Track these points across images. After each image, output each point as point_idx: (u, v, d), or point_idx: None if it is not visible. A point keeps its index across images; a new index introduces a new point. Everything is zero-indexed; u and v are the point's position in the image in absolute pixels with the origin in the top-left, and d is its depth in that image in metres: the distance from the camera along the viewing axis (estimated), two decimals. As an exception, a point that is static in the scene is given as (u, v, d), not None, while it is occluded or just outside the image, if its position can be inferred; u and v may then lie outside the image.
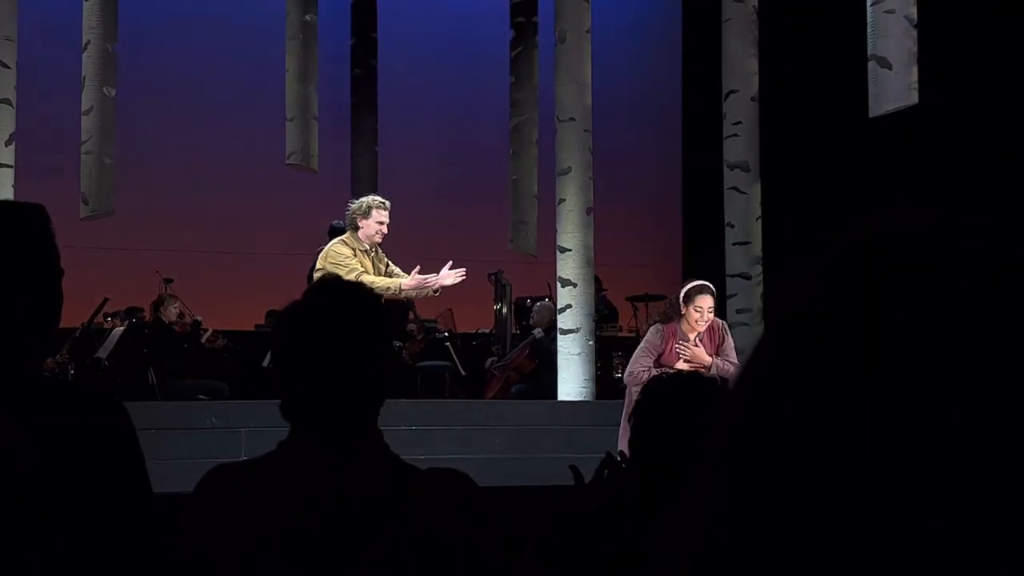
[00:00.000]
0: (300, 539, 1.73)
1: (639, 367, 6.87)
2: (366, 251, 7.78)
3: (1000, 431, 0.61)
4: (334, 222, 11.09)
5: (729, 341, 7.02)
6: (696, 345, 6.84)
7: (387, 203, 7.93)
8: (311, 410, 1.83)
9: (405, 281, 7.91)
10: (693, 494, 0.74)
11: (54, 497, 1.68)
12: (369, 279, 7.43)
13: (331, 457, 1.81)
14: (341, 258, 7.61)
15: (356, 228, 7.80)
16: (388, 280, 7.82)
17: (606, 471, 2.48)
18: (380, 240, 7.90)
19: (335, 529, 1.74)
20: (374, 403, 1.85)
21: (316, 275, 7.60)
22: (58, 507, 1.67)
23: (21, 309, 1.73)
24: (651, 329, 7.17)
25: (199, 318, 11.63)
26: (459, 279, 7.99)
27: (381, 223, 7.71)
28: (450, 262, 8.11)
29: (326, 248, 7.91)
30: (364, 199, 7.88)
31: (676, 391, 2.34)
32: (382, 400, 1.86)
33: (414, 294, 8.19)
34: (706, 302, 6.85)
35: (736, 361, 6.87)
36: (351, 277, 7.00)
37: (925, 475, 0.62)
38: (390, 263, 8.09)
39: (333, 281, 1.90)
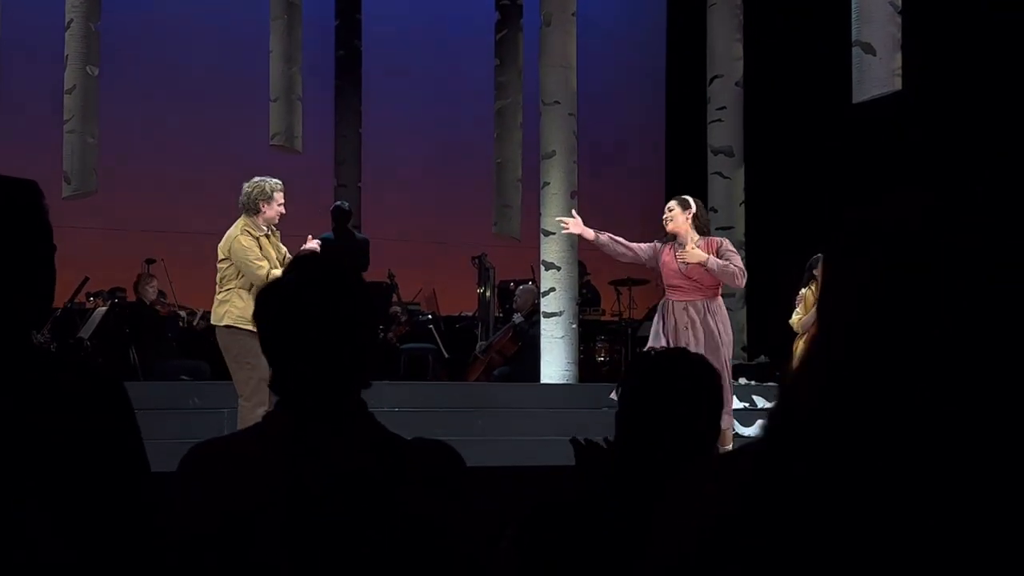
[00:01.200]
0: (288, 512, 1.74)
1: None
2: (266, 236, 7.76)
3: None
4: (338, 203, 11.08)
5: (727, 246, 7.17)
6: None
7: (281, 183, 7.98)
8: (297, 384, 1.84)
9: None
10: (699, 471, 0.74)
11: (56, 475, 1.68)
12: (276, 273, 7.42)
13: (319, 429, 1.81)
14: (249, 255, 7.55)
15: (257, 212, 7.73)
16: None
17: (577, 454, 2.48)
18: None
19: (325, 500, 1.74)
20: (359, 376, 1.86)
21: (222, 266, 7.63)
22: (59, 485, 1.68)
23: (17, 284, 1.74)
24: None
25: (182, 312, 11.57)
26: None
27: (282, 205, 7.75)
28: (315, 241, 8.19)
29: (229, 240, 7.79)
30: (263, 181, 7.79)
31: (660, 367, 2.34)
32: (367, 373, 1.88)
33: None
34: (668, 205, 7.32)
35: (739, 264, 7.05)
36: (261, 275, 7.08)
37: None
38: (280, 244, 8.07)
39: (312, 258, 1.91)
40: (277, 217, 7.63)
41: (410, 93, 15.79)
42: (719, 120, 11.07)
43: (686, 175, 14.47)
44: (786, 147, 14.22)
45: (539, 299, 10.64)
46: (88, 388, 1.78)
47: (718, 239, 7.33)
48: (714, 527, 0.70)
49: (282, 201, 7.62)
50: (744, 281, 7.17)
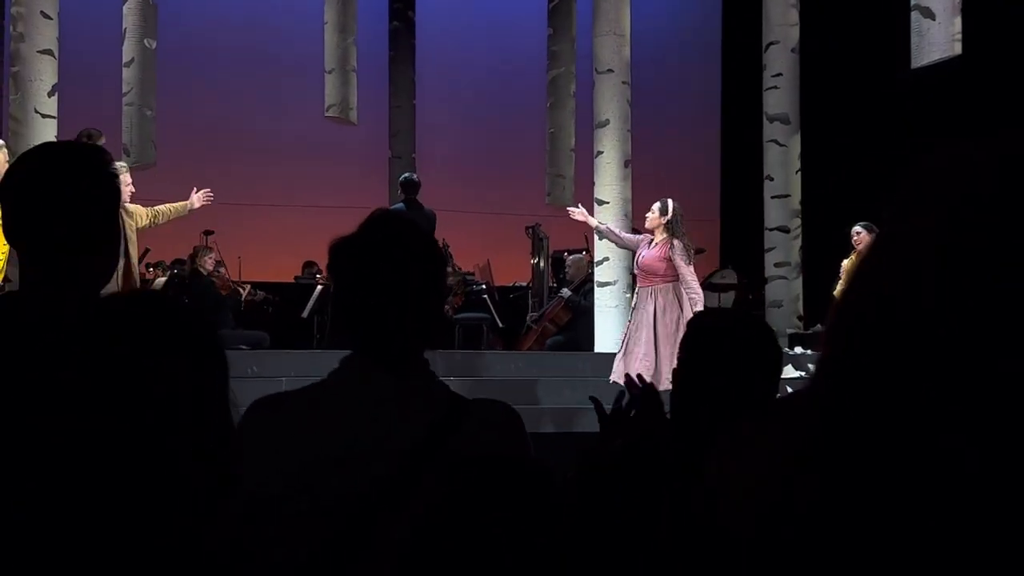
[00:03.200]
0: (350, 465, 1.76)
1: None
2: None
3: None
4: (408, 175, 11.13)
5: (678, 250, 7.90)
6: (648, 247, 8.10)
7: (126, 165, 8.56)
8: (367, 337, 1.86)
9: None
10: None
11: (147, 423, 1.72)
12: (159, 208, 8.37)
13: (382, 385, 1.84)
14: (137, 211, 8.18)
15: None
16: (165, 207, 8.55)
17: (625, 402, 2.49)
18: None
19: (387, 455, 1.77)
20: (426, 333, 1.89)
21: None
22: (155, 430, 1.72)
23: (89, 244, 1.81)
24: None
25: (239, 286, 11.70)
26: (206, 201, 8.91)
27: (129, 185, 8.16)
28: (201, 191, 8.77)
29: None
30: (117, 162, 8.11)
31: (718, 324, 2.36)
32: (432, 332, 1.90)
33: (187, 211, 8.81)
34: (652, 205, 8.15)
35: (686, 272, 7.86)
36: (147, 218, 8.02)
37: None
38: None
39: (389, 215, 1.93)
40: (129, 197, 8.07)
41: (463, 64, 15.79)
42: (775, 87, 10.96)
43: (742, 143, 14.38)
44: (843, 114, 14.06)
45: (592, 269, 10.62)
46: (185, 333, 1.81)
47: (673, 242, 7.95)
48: (777, 474, 0.70)
49: (128, 182, 8.09)
50: (694, 293, 7.83)
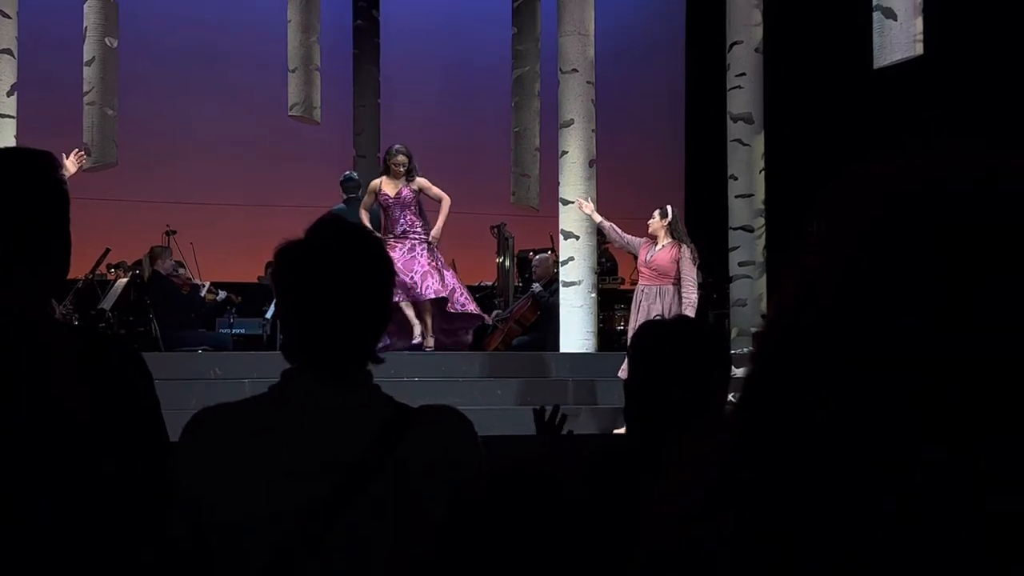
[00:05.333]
0: (295, 478, 1.74)
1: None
2: None
3: None
4: (348, 173, 11.07)
5: (686, 256, 8.74)
6: (658, 249, 8.86)
7: None
8: (309, 349, 1.83)
9: None
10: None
11: (74, 444, 1.70)
12: None
13: (323, 398, 1.81)
14: None
15: None
16: None
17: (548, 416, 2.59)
18: None
19: (332, 467, 1.75)
20: (370, 345, 1.86)
21: None
22: (77, 453, 1.69)
23: (32, 253, 1.76)
24: None
25: (198, 281, 11.61)
26: (80, 162, 8.87)
27: None
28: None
29: None
30: None
31: (662, 333, 2.39)
32: (376, 343, 1.87)
33: None
34: (653, 213, 8.99)
35: (692, 277, 8.69)
36: None
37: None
38: None
39: (335, 221, 1.90)
40: None
41: (428, 63, 15.75)
42: (739, 87, 10.99)
43: (706, 142, 14.42)
44: (807, 114, 14.13)
45: (558, 268, 10.62)
46: (106, 358, 1.79)
47: (683, 247, 8.79)
48: (697, 501, 0.68)
49: None
50: (691, 296, 8.66)
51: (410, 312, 9.38)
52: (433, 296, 9.35)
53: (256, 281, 13.14)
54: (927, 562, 0.60)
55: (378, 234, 9.23)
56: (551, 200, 10.93)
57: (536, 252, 12.28)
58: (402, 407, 1.86)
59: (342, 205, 10.50)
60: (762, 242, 10.95)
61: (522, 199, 11.69)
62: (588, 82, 10.44)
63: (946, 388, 0.61)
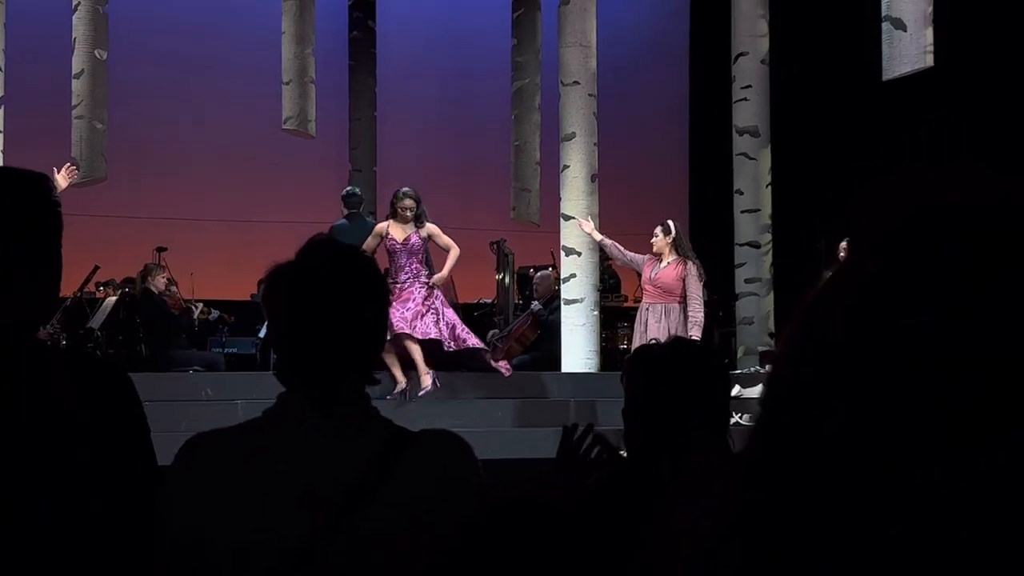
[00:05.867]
0: (293, 504, 1.73)
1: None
2: None
3: None
4: (349, 188, 11.07)
5: (692, 273, 8.81)
6: (663, 266, 8.95)
7: None
8: (303, 373, 1.83)
9: None
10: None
11: (62, 468, 1.70)
12: None
13: (319, 422, 1.81)
14: None
15: None
16: None
17: (577, 437, 2.58)
18: None
19: (330, 492, 1.75)
20: (366, 368, 1.86)
21: None
22: (65, 478, 1.69)
23: (26, 276, 1.75)
24: None
25: (192, 305, 11.60)
26: (71, 177, 8.78)
27: None
28: None
29: None
30: None
31: (655, 357, 2.41)
32: (372, 364, 1.88)
33: None
34: (655, 229, 9.02)
35: (698, 296, 8.77)
36: None
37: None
38: None
39: (327, 242, 1.90)
40: None
41: (426, 75, 15.77)
42: (744, 99, 11.02)
43: (711, 156, 14.43)
44: (814, 127, 14.15)
45: (559, 285, 10.62)
46: (93, 381, 1.79)
47: (689, 264, 8.85)
48: (709, 534, 0.69)
49: None
50: (697, 314, 8.71)
51: (391, 360, 8.95)
52: (420, 336, 8.98)
53: (249, 299, 13.14)
54: (945, 561, 0.61)
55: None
56: (552, 215, 10.94)
57: (537, 269, 12.28)
58: (400, 431, 1.85)
59: (344, 221, 10.51)
60: (769, 258, 10.95)
61: (522, 214, 11.69)
62: (590, 95, 10.46)
63: (964, 384, 0.62)
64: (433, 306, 9.22)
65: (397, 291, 9.09)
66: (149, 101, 14.42)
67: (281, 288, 1.85)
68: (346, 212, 10.69)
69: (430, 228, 9.37)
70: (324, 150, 14.13)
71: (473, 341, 9.32)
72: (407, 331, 8.93)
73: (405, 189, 9.37)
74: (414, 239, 9.25)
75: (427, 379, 9.04)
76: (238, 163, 14.98)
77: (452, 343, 9.21)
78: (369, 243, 9.09)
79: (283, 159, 14.59)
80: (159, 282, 11.01)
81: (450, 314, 9.34)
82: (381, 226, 9.39)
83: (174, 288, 11.62)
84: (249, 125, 14.47)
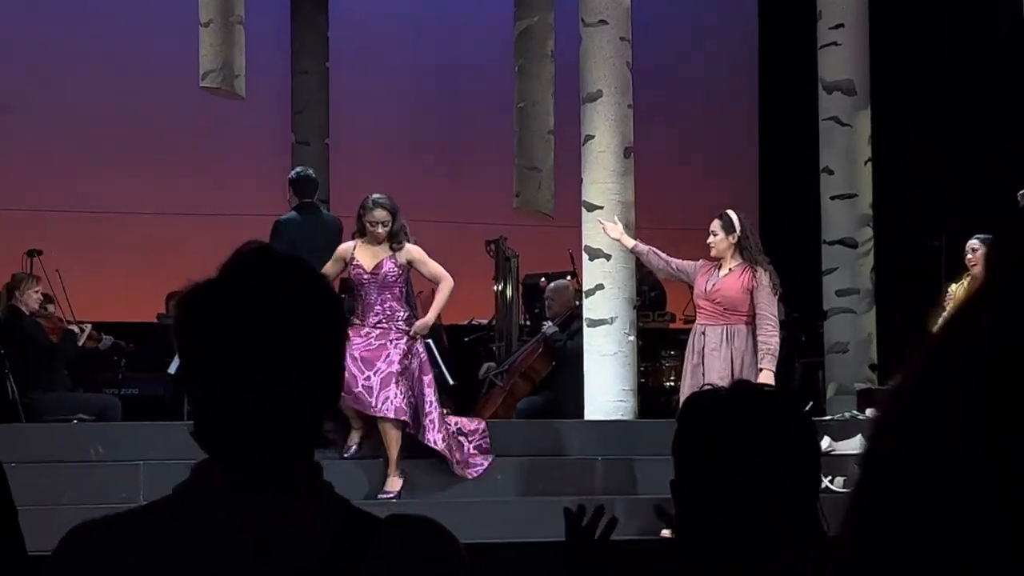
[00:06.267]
0: None
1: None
2: None
3: None
4: (299, 170, 11.05)
5: (765, 282, 8.79)
6: (722, 276, 8.92)
7: None
8: (227, 432, 1.81)
9: None
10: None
11: None
12: None
13: (251, 503, 1.79)
14: None
15: None
16: None
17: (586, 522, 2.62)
18: None
19: None
20: (315, 426, 1.85)
21: None
22: None
23: None
24: None
25: (76, 328, 11.57)
26: None
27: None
28: None
29: None
30: None
31: (718, 410, 2.41)
32: (324, 417, 1.86)
33: None
34: (711, 225, 8.93)
35: (772, 313, 8.76)
36: None
37: None
38: None
39: (262, 252, 1.88)
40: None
41: (397, 13, 15.77)
42: (834, 43, 11.00)
43: (788, 123, 14.39)
44: (931, 82, 14.13)
45: (580, 300, 10.60)
46: None
47: (758, 271, 8.82)
48: None
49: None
50: (771, 340, 8.70)
51: (351, 413, 9.01)
52: (391, 416, 8.83)
53: (156, 321, 13.11)
54: None
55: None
56: (570, 204, 10.92)
57: (550, 278, 12.26)
58: (361, 516, 1.84)
59: (294, 214, 10.50)
60: (870, 261, 10.93)
61: (530, 203, 11.67)
62: (622, 38, 10.45)
63: None
64: (410, 368, 9.06)
65: (361, 339, 8.89)
66: (21, 58, 14.42)
67: (198, 316, 1.83)
68: (296, 202, 10.68)
69: (411, 251, 9.19)
70: (258, 116, 14.11)
71: (433, 436, 8.99)
72: (376, 411, 8.81)
73: (376, 196, 9.19)
74: (388, 266, 9.08)
75: (396, 482, 8.85)
76: (139, 135, 14.97)
77: (411, 426, 8.97)
78: (329, 269, 8.91)
79: (202, 129, 14.58)
80: (31, 299, 10.98)
81: (426, 384, 9.14)
82: (344, 248, 9.24)
83: (52, 307, 11.59)
84: (155, 85, 14.46)
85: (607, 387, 10.11)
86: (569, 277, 11.91)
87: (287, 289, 1.83)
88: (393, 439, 8.83)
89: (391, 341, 8.99)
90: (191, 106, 13.31)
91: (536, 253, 12.98)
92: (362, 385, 8.75)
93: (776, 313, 8.87)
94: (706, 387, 2.64)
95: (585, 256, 10.38)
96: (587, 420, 10.05)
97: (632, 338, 10.33)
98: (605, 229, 9.68)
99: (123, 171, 14.95)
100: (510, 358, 11.54)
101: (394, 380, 8.83)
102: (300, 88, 14.42)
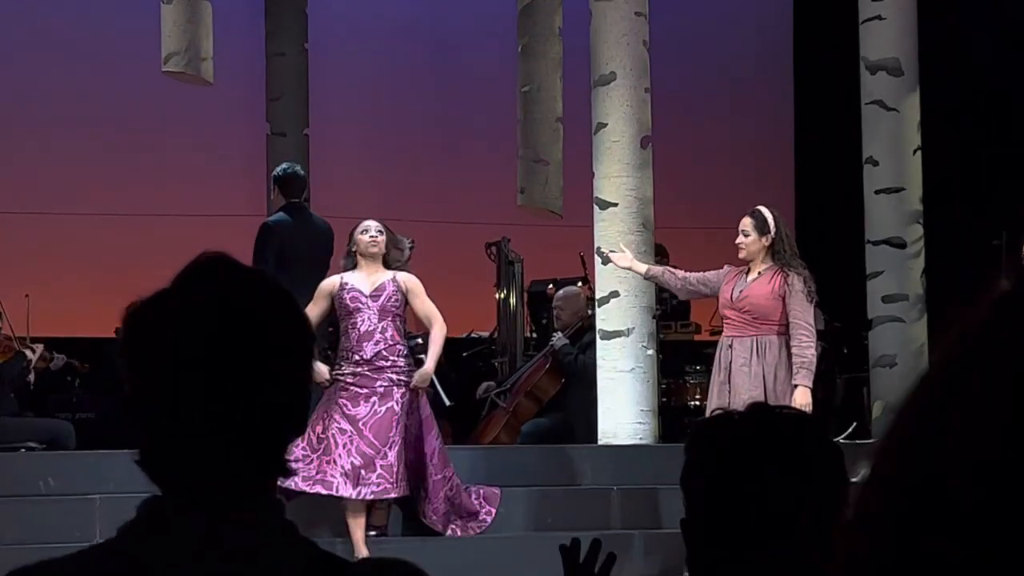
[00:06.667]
0: None
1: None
2: None
3: None
4: (286, 167, 11.06)
5: (799, 288, 8.75)
6: (751, 281, 8.91)
7: None
8: (175, 467, 1.81)
9: None
10: None
11: None
12: None
13: (208, 545, 1.77)
14: None
15: None
16: None
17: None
18: None
19: None
20: (277, 453, 1.84)
21: None
22: None
23: None
24: None
25: (26, 347, 11.58)
26: None
27: None
28: None
29: None
30: None
31: (732, 437, 2.39)
32: (286, 446, 1.86)
33: None
34: (741, 223, 8.91)
35: (807, 321, 8.71)
36: None
37: None
38: None
39: (217, 262, 1.88)
40: None
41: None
42: (878, 17, 11.00)
43: (826, 107, 14.39)
44: (988, 60, 14.13)
45: (593, 310, 10.58)
46: None
47: (791, 276, 8.78)
48: None
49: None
50: (806, 352, 8.67)
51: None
52: (396, 496, 8.74)
53: (114, 336, 13.12)
54: None
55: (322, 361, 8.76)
56: (580, 201, 10.91)
57: (559, 284, 12.28)
58: (328, 559, 1.83)
59: (283, 215, 10.54)
60: (920, 263, 10.92)
61: (536, 200, 11.67)
62: (637, 13, 10.45)
63: None
64: (412, 426, 8.91)
65: (354, 383, 8.77)
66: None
67: (147, 333, 1.84)
68: (282, 203, 10.71)
69: (410, 280, 9.14)
70: (228, 103, 14.13)
71: (439, 517, 8.83)
72: (348, 491, 8.60)
73: (367, 222, 9.19)
74: (390, 289, 9.01)
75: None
76: (98, 126, 14.99)
77: (402, 486, 8.76)
78: (313, 311, 8.63)
79: (165, 119, 14.59)
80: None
81: (427, 444, 8.97)
82: (329, 282, 9.16)
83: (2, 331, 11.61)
84: (111, 68, 14.48)
85: (623, 407, 10.10)
86: (580, 283, 11.92)
87: (247, 301, 1.84)
88: (359, 523, 8.67)
89: (396, 401, 8.79)
90: (153, 93, 13.29)
91: (543, 256, 12.98)
92: (358, 450, 8.58)
93: (812, 322, 8.82)
94: (717, 411, 2.64)
95: (597, 259, 10.37)
96: (601, 445, 10.06)
97: (651, 352, 10.32)
98: (613, 260, 9.69)
99: (75, 167, 14.96)
100: (514, 375, 11.55)
101: (399, 439, 8.74)
102: (275, 72, 14.41)
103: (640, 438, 10.10)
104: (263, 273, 1.95)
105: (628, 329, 10.19)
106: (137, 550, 1.80)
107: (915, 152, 10.99)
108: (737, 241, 8.91)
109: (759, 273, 8.85)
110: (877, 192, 10.97)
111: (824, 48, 14.65)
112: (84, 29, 14.84)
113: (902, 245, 10.88)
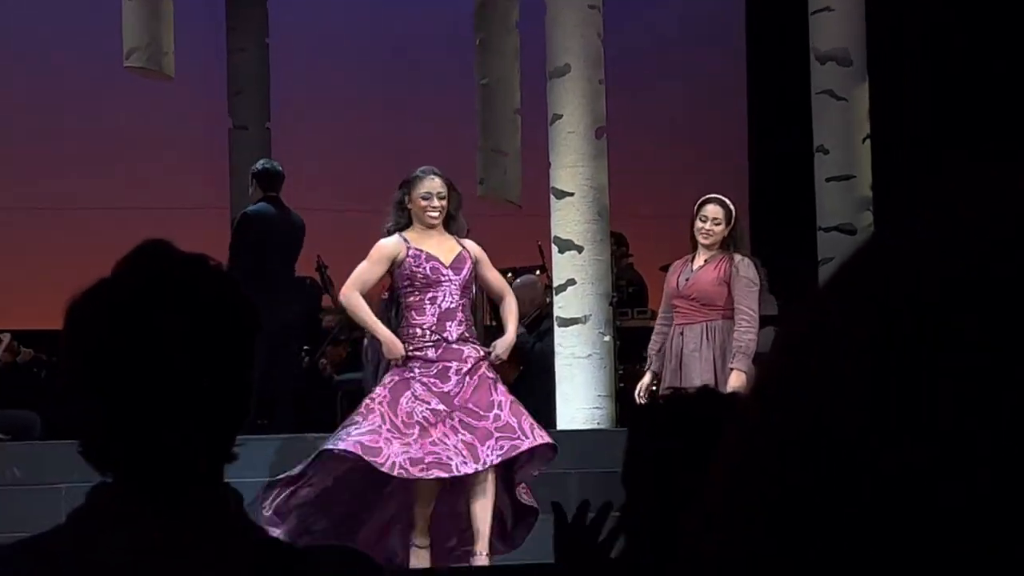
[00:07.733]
0: None
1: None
2: None
3: None
4: (264, 162, 11.06)
5: (740, 284, 8.76)
6: (696, 269, 8.95)
7: None
8: (120, 454, 1.81)
9: None
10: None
11: None
12: None
13: (156, 531, 1.78)
14: None
15: None
16: None
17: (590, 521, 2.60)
18: None
19: None
20: (224, 439, 1.84)
21: None
22: None
23: None
24: None
25: None
26: None
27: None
28: None
29: None
30: None
31: (668, 423, 2.40)
32: (233, 435, 1.85)
33: None
34: (711, 211, 8.92)
35: (749, 307, 8.71)
36: None
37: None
38: None
39: (156, 248, 1.88)
40: None
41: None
42: (827, 8, 11.03)
43: (778, 98, 14.42)
44: (938, 49, 14.17)
45: (551, 298, 10.59)
46: None
47: (735, 259, 8.83)
48: None
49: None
50: (747, 334, 8.66)
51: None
52: (528, 447, 7.94)
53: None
54: None
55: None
56: (537, 190, 10.91)
57: (517, 272, 12.27)
58: (277, 545, 1.84)
59: (264, 206, 10.57)
60: (869, 250, 10.97)
61: (494, 190, 11.68)
62: (591, 6, 10.45)
63: None
64: (497, 400, 8.10)
65: (438, 357, 7.87)
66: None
67: (88, 323, 1.84)
68: (259, 196, 10.74)
69: (476, 248, 8.26)
70: (191, 98, 14.09)
71: (529, 440, 8.06)
72: (470, 467, 7.74)
73: (425, 167, 8.29)
74: (468, 260, 8.11)
75: (484, 558, 7.94)
76: (59, 121, 14.93)
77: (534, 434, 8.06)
78: (373, 270, 7.96)
79: (128, 114, 14.54)
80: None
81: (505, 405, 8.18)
82: (391, 244, 8.07)
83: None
84: (72, 63, 14.42)
85: (581, 393, 10.12)
86: (538, 272, 11.91)
87: (186, 287, 1.83)
88: (485, 515, 7.92)
89: (482, 376, 8.13)
90: (114, 88, 13.25)
91: (500, 245, 12.98)
92: (496, 428, 7.93)
93: (755, 308, 8.81)
94: (666, 391, 2.64)
95: (555, 248, 10.37)
96: (559, 430, 10.04)
97: (608, 338, 10.34)
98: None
99: (41, 162, 14.92)
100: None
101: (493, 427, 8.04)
102: (237, 67, 14.38)
103: (598, 423, 10.12)
104: (204, 258, 1.95)
105: (585, 316, 10.21)
106: (85, 536, 1.80)
107: (864, 140, 11.03)
108: (706, 228, 8.93)
109: (705, 261, 8.93)
110: (828, 180, 11.01)
111: (776, 39, 14.67)
112: (44, 23, 14.79)
113: (853, 232, 10.92)
